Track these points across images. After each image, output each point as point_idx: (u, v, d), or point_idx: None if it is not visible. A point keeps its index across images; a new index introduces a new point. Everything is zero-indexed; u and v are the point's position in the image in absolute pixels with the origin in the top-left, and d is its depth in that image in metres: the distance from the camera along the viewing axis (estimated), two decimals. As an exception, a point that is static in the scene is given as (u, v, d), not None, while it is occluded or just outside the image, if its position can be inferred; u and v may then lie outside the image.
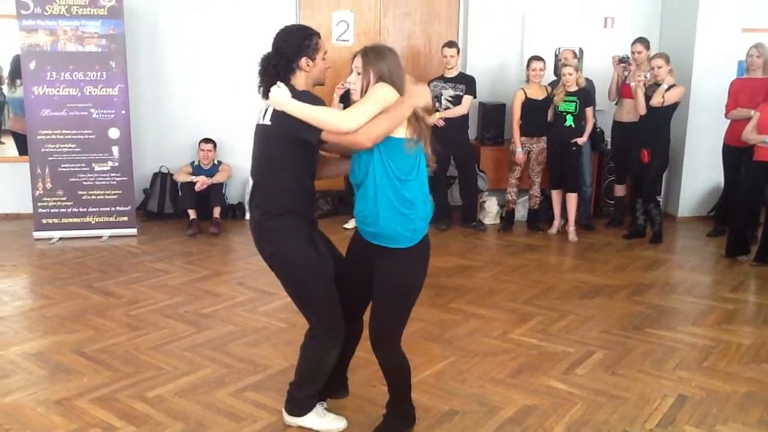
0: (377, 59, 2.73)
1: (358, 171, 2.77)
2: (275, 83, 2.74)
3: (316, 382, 3.04)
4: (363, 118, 2.62)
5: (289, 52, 2.77)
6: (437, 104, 6.46)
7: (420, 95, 2.75)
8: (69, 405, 3.29)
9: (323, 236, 3.01)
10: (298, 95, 2.71)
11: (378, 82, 2.70)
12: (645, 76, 5.91)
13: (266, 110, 2.80)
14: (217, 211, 6.43)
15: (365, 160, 2.72)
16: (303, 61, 2.79)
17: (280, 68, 2.76)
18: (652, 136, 6.01)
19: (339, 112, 2.69)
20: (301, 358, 3.02)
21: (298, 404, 3.07)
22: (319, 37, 2.86)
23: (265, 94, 2.77)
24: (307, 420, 3.08)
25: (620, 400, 3.44)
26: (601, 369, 3.78)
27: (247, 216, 4.86)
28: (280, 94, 2.69)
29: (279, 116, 2.71)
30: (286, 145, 2.75)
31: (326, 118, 2.66)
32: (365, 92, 2.73)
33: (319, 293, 2.89)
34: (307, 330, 3.01)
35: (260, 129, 2.84)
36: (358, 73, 2.77)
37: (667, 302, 4.86)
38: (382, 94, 2.67)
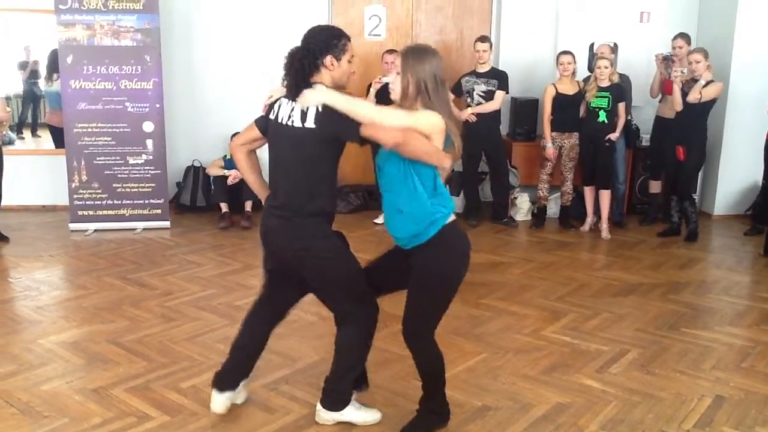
0: (417, 62, 2.72)
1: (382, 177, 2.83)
2: (299, 78, 2.74)
3: (355, 371, 3.04)
4: (401, 120, 2.62)
5: (316, 49, 2.76)
6: (469, 99, 6.42)
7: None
8: (105, 394, 3.34)
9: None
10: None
11: (420, 95, 2.69)
12: (682, 72, 5.81)
13: (299, 111, 2.75)
14: (248, 205, 6.47)
15: (390, 170, 2.76)
16: (328, 59, 2.77)
17: (306, 63, 2.75)
18: (689, 133, 5.91)
19: (395, 112, 2.67)
20: (339, 350, 3.02)
21: (339, 396, 3.05)
22: (349, 41, 2.85)
23: (290, 91, 2.77)
24: (346, 413, 3.07)
25: (656, 400, 3.39)
26: (636, 368, 3.73)
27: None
28: (316, 93, 2.69)
29: (323, 118, 2.70)
30: (325, 148, 2.76)
31: (366, 109, 2.66)
32: (406, 95, 2.72)
33: (354, 285, 2.91)
34: (338, 323, 3.02)
35: (295, 131, 2.77)
36: (397, 73, 2.76)
37: (704, 301, 4.78)
38: (431, 122, 2.66)
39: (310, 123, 2.74)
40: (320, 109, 2.71)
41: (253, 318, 3.18)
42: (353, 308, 2.95)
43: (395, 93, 2.78)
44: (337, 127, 2.70)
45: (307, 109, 2.74)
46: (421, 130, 2.64)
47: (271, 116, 2.87)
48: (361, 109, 2.67)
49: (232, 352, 3.17)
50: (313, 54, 2.76)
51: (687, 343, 4.05)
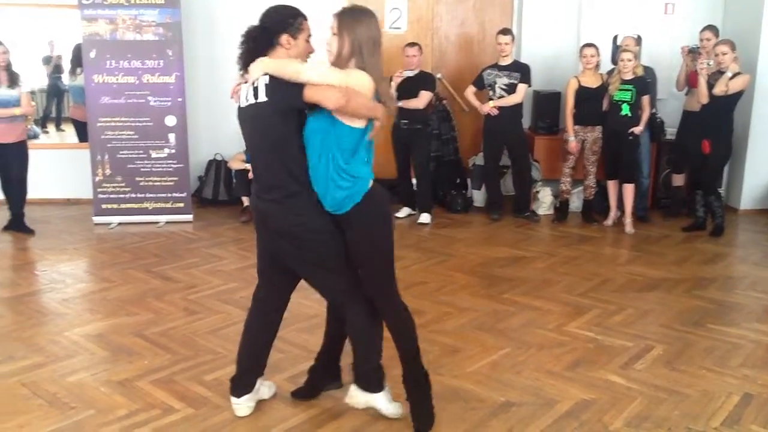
0: (354, 23, 2.71)
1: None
2: (251, 56, 2.73)
3: (376, 349, 3.01)
4: (337, 78, 2.61)
5: (271, 27, 2.75)
6: (491, 92, 6.38)
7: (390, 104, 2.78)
8: (130, 386, 3.37)
9: None
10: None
11: (354, 56, 2.69)
12: (708, 64, 5.72)
13: (255, 89, 2.73)
14: (269, 199, 6.47)
15: (317, 138, 2.74)
16: (284, 38, 2.74)
17: (260, 42, 2.74)
18: (715, 126, 5.82)
19: (313, 66, 2.66)
20: (353, 337, 3.00)
21: (375, 379, 3.03)
22: (305, 19, 2.82)
23: (242, 68, 2.76)
24: (379, 400, 3.05)
25: (682, 397, 3.35)
26: (661, 364, 3.69)
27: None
28: (258, 62, 2.69)
29: (271, 89, 2.67)
30: (286, 121, 2.71)
31: (302, 69, 2.63)
32: (341, 56, 2.71)
33: (341, 264, 2.87)
34: (335, 309, 3.03)
35: (253, 108, 2.75)
36: (334, 34, 2.74)
37: (730, 297, 4.71)
38: (359, 82, 2.65)
39: (262, 97, 2.71)
40: (267, 81, 2.69)
41: (254, 316, 3.15)
42: (350, 290, 2.92)
43: (331, 55, 2.76)
44: (282, 95, 2.67)
45: (258, 83, 2.71)
46: (353, 88, 2.63)
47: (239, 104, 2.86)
48: (298, 70, 2.63)
49: (238, 357, 3.15)
50: (268, 32, 2.75)
51: (713, 340, 3.99)
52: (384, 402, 3.07)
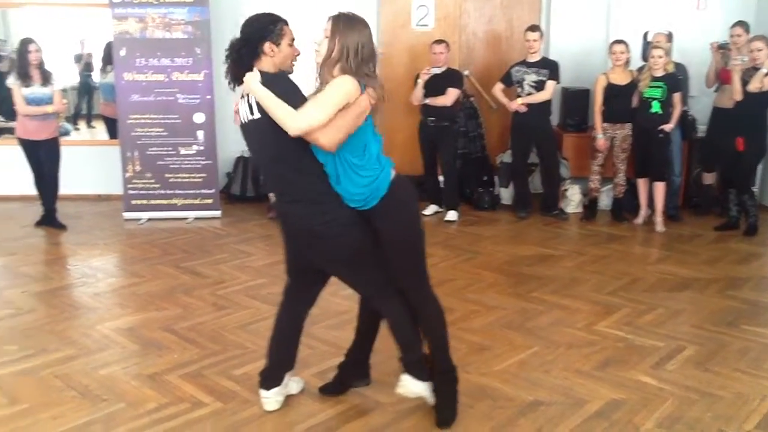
0: (347, 29, 2.70)
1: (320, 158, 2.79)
2: (238, 68, 2.75)
3: (418, 337, 3.00)
4: (320, 115, 2.58)
5: (253, 37, 2.76)
6: (519, 89, 6.33)
7: (374, 85, 2.71)
8: (160, 379, 3.41)
9: None
10: (270, 79, 2.69)
11: (341, 61, 2.67)
12: (742, 60, 5.61)
13: (247, 104, 2.77)
14: (297, 196, 6.50)
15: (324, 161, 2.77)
16: (267, 46, 2.75)
17: (244, 53, 2.75)
18: (749, 124, 5.71)
19: (295, 113, 2.60)
20: (392, 330, 3.00)
21: (419, 366, 3.01)
22: (286, 24, 2.83)
23: (232, 81, 2.79)
24: (426, 388, 3.04)
25: (714, 399, 3.29)
26: (693, 365, 3.63)
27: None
28: (249, 78, 2.70)
29: (263, 108, 2.70)
30: (281, 133, 2.66)
31: (282, 116, 2.61)
32: (329, 58, 2.70)
33: (372, 257, 2.87)
34: (370, 302, 3.02)
35: (252, 124, 2.77)
36: (326, 37, 2.74)
37: (764, 298, 4.63)
38: (344, 91, 2.63)
39: (257, 113, 2.73)
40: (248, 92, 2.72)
41: (284, 311, 3.17)
42: (381, 283, 2.91)
43: (319, 56, 2.76)
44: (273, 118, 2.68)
45: (251, 99, 2.74)
46: (340, 106, 2.61)
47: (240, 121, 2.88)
48: (280, 113, 2.62)
49: (268, 350, 3.17)
50: (250, 43, 2.76)
51: (747, 341, 3.92)
52: (429, 393, 3.06)
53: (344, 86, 2.65)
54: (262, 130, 2.75)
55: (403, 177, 2.89)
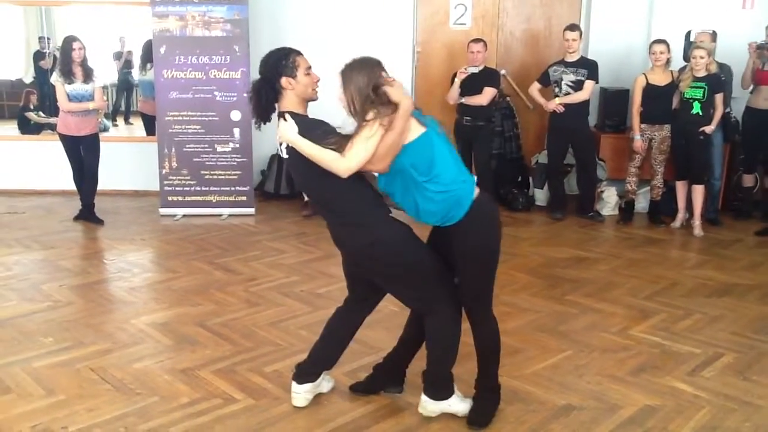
0: (346, 81, 2.75)
1: (384, 186, 2.87)
2: (261, 107, 2.85)
3: (452, 357, 3.00)
4: (364, 154, 2.67)
5: (269, 75, 2.84)
6: (557, 89, 6.26)
7: (406, 102, 2.71)
8: (192, 375, 3.44)
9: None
10: (305, 127, 2.77)
11: (367, 113, 2.71)
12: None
13: (281, 146, 2.90)
14: (330, 194, 6.52)
15: (387, 180, 2.82)
16: (284, 81, 2.83)
17: (263, 93, 2.84)
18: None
19: (339, 158, 2.69)
20: (430, 340, 2.98)
21: (444, 385, 3.02)
22: (298, 54, 2.89)
23: (258, 120, 2.89)
24: (453, 404, 3.04)
25: (753, 408, 3.21)
26: (731, 373, 3.54)
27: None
28: (286, 129, 2.78)
29: (293, 151, 2.81)
30: (312, 165, 2.77)
31: (329, 164, 2.71)
32: (353, 110, 2.75)
33: (429, 269, 2.88)
34: (423, 313, 3.00)
35: (287, 161, 2.92)
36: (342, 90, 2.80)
37: (807, 305, 4.50)
38: (375, 132, 2.68)
39: (284, 154, 2.87)
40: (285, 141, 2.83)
41: (340, 313, 3.23)
42: (434, 298, 2.92)
43: (344, 108, 2.81)
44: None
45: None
46: (376, 144, 2.68)
47: None
48: (326, 160, 2.72)
49: (314, 346, 3.20)
50: (268, 81, 2.83)
51: (788, 350, 3.82)
52: (457, 404, 3.06)
53: (405, 102, 2.71)
54: (296, 165, 2.88)
55: (488, 196, 2.92)
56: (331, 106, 2.96)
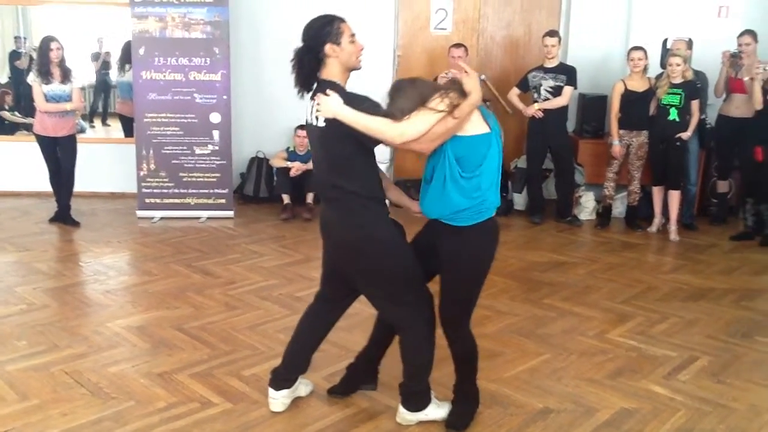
0: (394, 102, 2.67)
1: (426, 170, 2.81)
2: (305, 74, 2.75)
3: (429, 367, 3.00)
4: (422, 127, 2.60)
5: (313, 43, 2.75)
6: (536, 95, 6.30)
7: (476, 94, 2.65)
8: (169, 378, 3.41)
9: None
10: (351, 99, 2.67)
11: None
12: (765, 69, 5.55)
13: (315, 110, 2.77)
14: (310, 197, 6.51)
15: (433, 161, 2.76)
16: (328, 48, 2.73)
17: (306, 60, 2.74)
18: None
19: (393, 123, 2.61)
20: (406, 354, 2.97)
21: (420, 397, 3.02)
22: (342, 22, 2.80)
23: (301, 90, 2.78)
24: (430, 412, 3.04)
25: (728, 411, 3.25)
26: (706, 376, 3.59)
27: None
28: (331, 103, 2.66)
29: (334, 121, 2.67)
30: (343, 142, 2.70)
31: (382, 129, 2.62)
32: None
33: (411, 277, 2.86)
34: (396, 326, 2.99)
35: (316, 129, 2.78)
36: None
37: (780, 310, 4.57)
38: (440, 111, 2.62)
39: (321, 122, 2.73)
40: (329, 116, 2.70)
41: (310, 315, 3.18)
42: (412, 309, 2.89)
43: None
44: (346, 128, 2.65)
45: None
46: (438, 119, 2.61)
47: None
48: (378, 127, 2.62)
49: (285, 351, 3.17)
50: (312, 49, 2.74)
51: (762, 353, 3.87)
52: (434, 412, 3.06)
53: (474, 94, 2.65)
54: (328, 138, 2.75)
55: (498, 225, 2.88)
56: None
